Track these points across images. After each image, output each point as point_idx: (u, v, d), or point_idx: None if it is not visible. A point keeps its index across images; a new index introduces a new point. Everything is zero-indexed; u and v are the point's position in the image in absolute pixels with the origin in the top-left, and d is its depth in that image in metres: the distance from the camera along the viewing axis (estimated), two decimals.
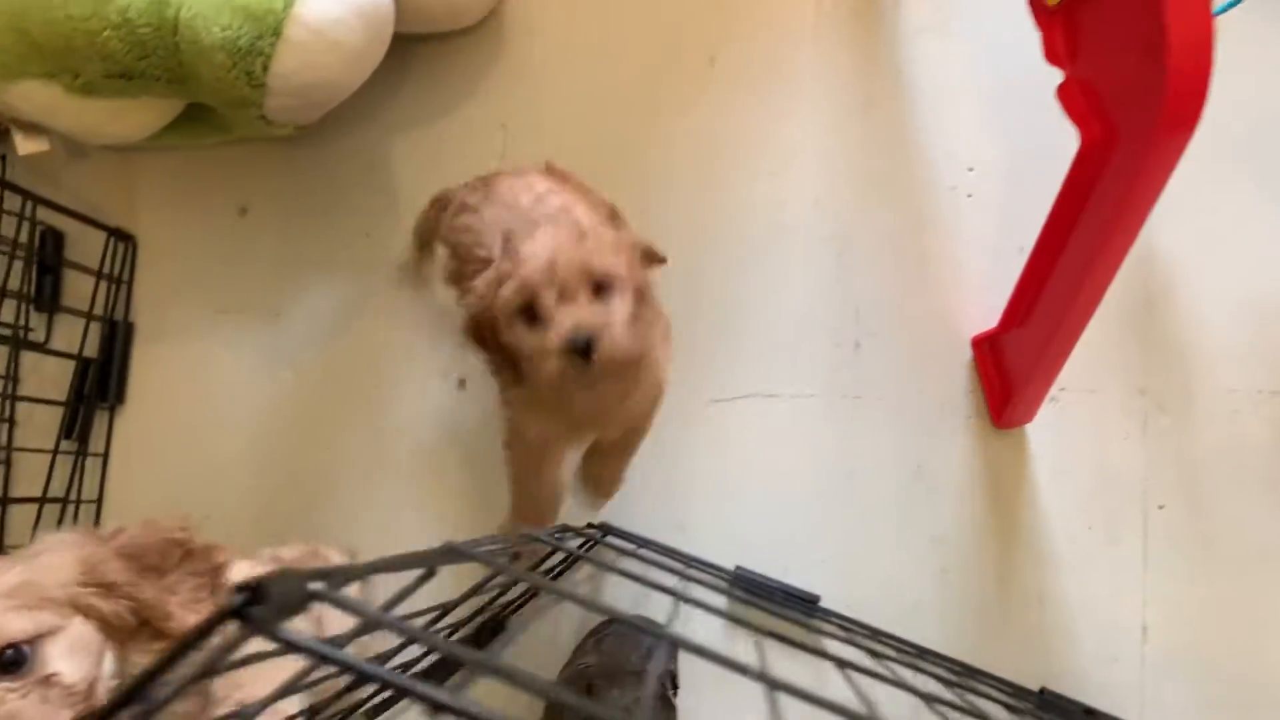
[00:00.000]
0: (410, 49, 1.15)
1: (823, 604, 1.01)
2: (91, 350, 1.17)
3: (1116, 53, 0.76)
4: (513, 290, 0.69)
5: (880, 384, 1.05)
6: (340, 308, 1.14)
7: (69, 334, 1.18)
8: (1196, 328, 1.03)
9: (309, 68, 0.90)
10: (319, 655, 0.26)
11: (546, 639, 1.04)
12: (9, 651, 0.58)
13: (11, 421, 1.16)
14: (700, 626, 0.98)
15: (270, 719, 0.43)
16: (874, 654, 0.71)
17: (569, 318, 0.68)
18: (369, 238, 1.14)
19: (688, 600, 0.54)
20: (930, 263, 1.07)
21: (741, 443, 1.06)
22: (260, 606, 0.24)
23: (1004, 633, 1.00)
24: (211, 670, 0.25)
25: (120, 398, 1.18)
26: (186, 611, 0.63)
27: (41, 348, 1.17)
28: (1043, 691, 0.97)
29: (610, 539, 0.97)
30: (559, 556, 0.91)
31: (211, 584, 0.65)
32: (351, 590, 0.75)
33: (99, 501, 1.17)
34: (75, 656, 0.60)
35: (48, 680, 0.59)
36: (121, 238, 1.18)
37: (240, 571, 0.70)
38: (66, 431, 1.17)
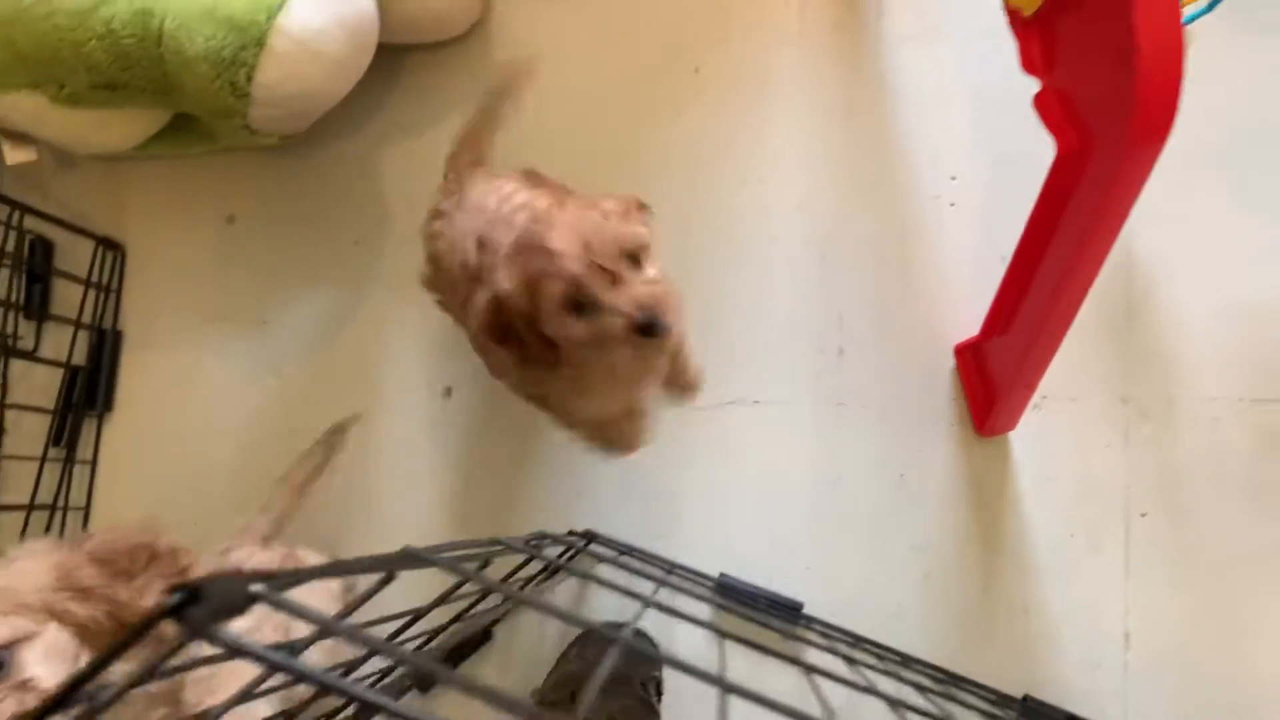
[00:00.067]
0: (398, 58, 1.16)
1: (807, 611, 1.01)
2: (80, 358, 1.18)
3: (1090, 62, 0.76)
4: (555, 285, 0.68)
5: (864, 391, 1.05)
6: (327, 316, 1.14)
7: (58, 342, 1.18)
8: (1177, 336, 1.03)
9: (292, 78, 0.91)
10: (262, 660, 0.26)
11: (532, 644, 1.05)
12: None
13: (0, 429, 1.16)
14: (681, 633, 0.98)
15: None
16: (850, 660, 0.71)
17: (626, 301, 0.67)
18: (356, 246, 1.15)
19: (655, 605, 0.54)
20: (913, 270, 1.07)
21: (726, 450, 1.06)
22: (197, 607, 0.25)
23: (987, 640, 1.00)
24: (153, 674, 0.25)
25: (108, 405, 1.18)
26: None
27: (30, 356, 1.18)
28: (1026, 699, 0.97)
29: (594, 546, 0.97)
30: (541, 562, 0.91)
31: None
32: (324, 595, 0.76)
33: (87, 508, 1.17)
34: (51, 661, 0.61)
35: (24, 685, 0.59)
36: (110, 246, 1.19)
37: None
38: (55, 439, 1.17)
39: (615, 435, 0.91)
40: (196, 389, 1.17)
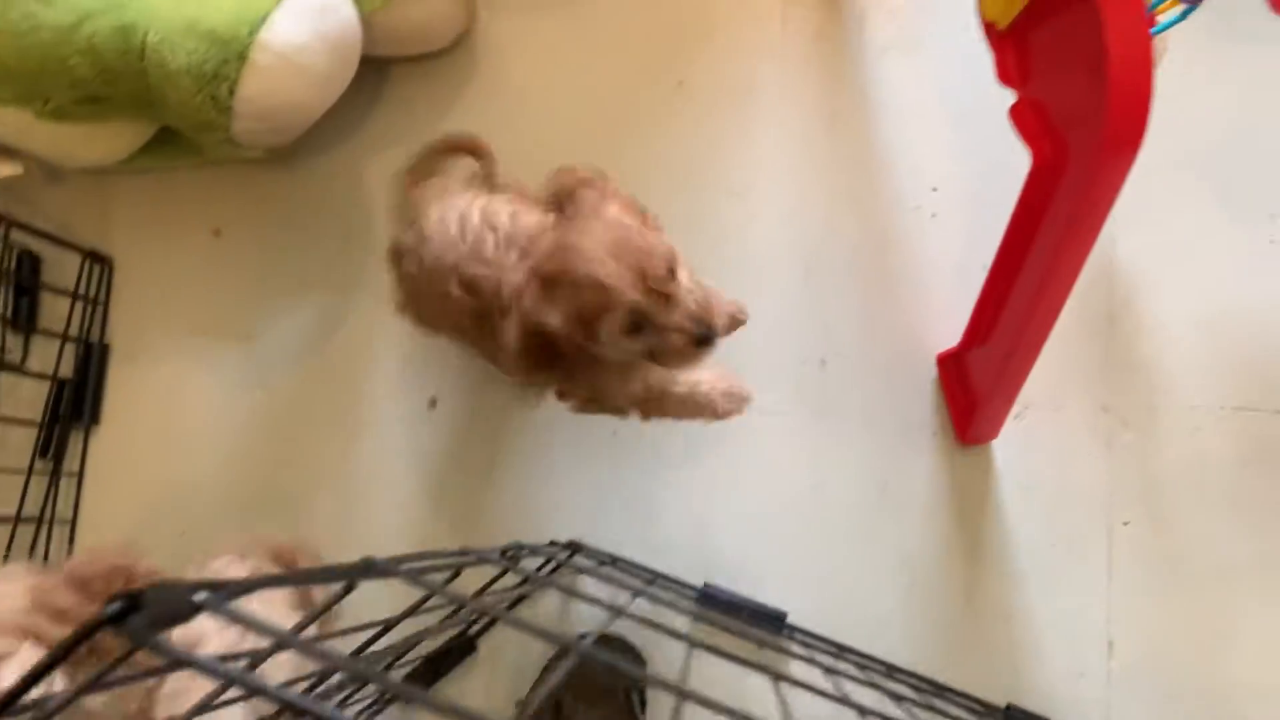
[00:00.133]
0: (383, 71, 1.16)
1: (791, 620, 1.01)
2: (67, 371, 1.18)
3: (1063, 74, 0.77)
4: (617, 316, 0.69)
5: (847, 401, 1.06)
6: (313, 328, 1.15)
7: (45, 355, 1.18)
8: (1158, 344, 1.03)
9: (275, 92, 0.92)
10: (207, 672, 0.26)
11: (518, 655, 1.05)
12: None
13: None
14: (666, 643, 0.98)
15: None
16: (827, 670, 0.71)
17: (681, 317, 0.70)
18: (342, 259, 1.15)
19: (626, 615, 0.54)
20: (896, 281, 1.08)
21: (710, 460, 1.07)
22: (137, 616, 0.25)
23: (970, 649, 1.00)
24: (94, 685, 0.25)
25: (95, 418, 1.18)
26: None
27: (17, 369, 1.17)
28: (1009, 708, 0.97)
29: (578, 557, 0.97)
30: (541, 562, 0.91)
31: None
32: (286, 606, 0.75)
33: (73, 521, 1.17)
34: None
35: None
36: (97, 259, 1.19)
37: None
38: (42, 451, 1.17)
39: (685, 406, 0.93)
40: (184, 401, 1.17)
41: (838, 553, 1.03)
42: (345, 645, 0.63)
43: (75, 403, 1.17)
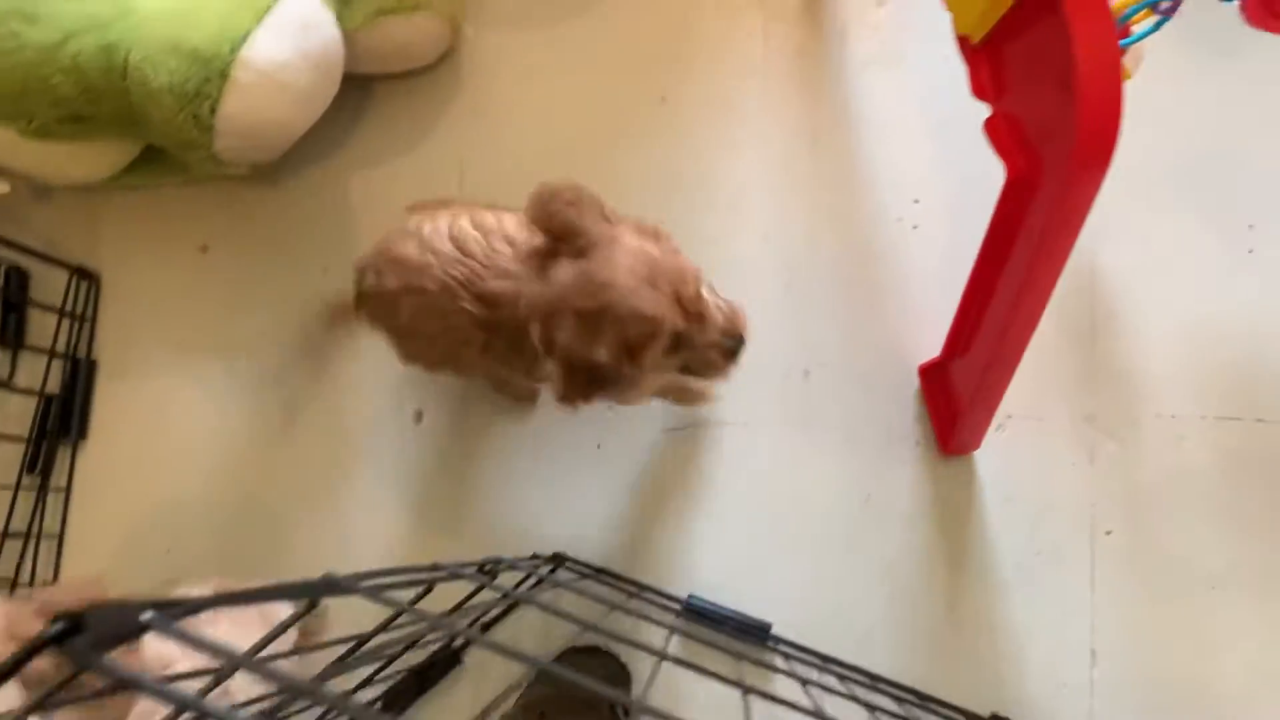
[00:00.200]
0: (366, 88, 1.17)
1: (776, 631, 1.01)
2: (54, 387, 1.19)
3: (1035, 88, 0.78)
4: (659, 343, 0.73)
5: (830, 413, 1.06)
6: (298, 342, 1.15)
7: (32, 371, 1.19)
8: (1141, 354, 1.04)
9: (256, 110, 0.92)
10: (151, 693, 0.26)
11: (504, 667, 1.05)
12: None
13: None
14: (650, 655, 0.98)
15: None
16: (805, 682, 0.72)
17: (716, 334, 0.76)
18: (327, 273, 1.16)
19: (593, 629, 0.55)
20: (878, 292, 1.08)
21: (694, 471, 1.07)
22: (80, 637, 0.25)
23: (954, 659, 1.00)
24: (35, 708, 0.26)
25: (83, 433, 1.19)
26: None
27: (5, 385, 1.18)
28: (993, 717, 0.97)
29: (561, 570, 0.98)
30: (520, 577, 0.92)
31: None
32: (260, 623, 0.75)
33: (60, 536, 1.17)
34: None
35: None
36: (84, 276, 1.20)
37: None
38: (29, 467, 1.18)
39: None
40: (170, 416, 1.18)
41: (821, 563, 1.03)
42: (329, 658, 0.63)
43: (63, 418, 1.18)
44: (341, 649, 0.61)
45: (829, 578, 1.03)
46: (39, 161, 1.02)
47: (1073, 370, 1.04)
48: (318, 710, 0.70)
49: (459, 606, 0.69)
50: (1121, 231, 1.05)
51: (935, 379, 1.04)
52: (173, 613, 0.29)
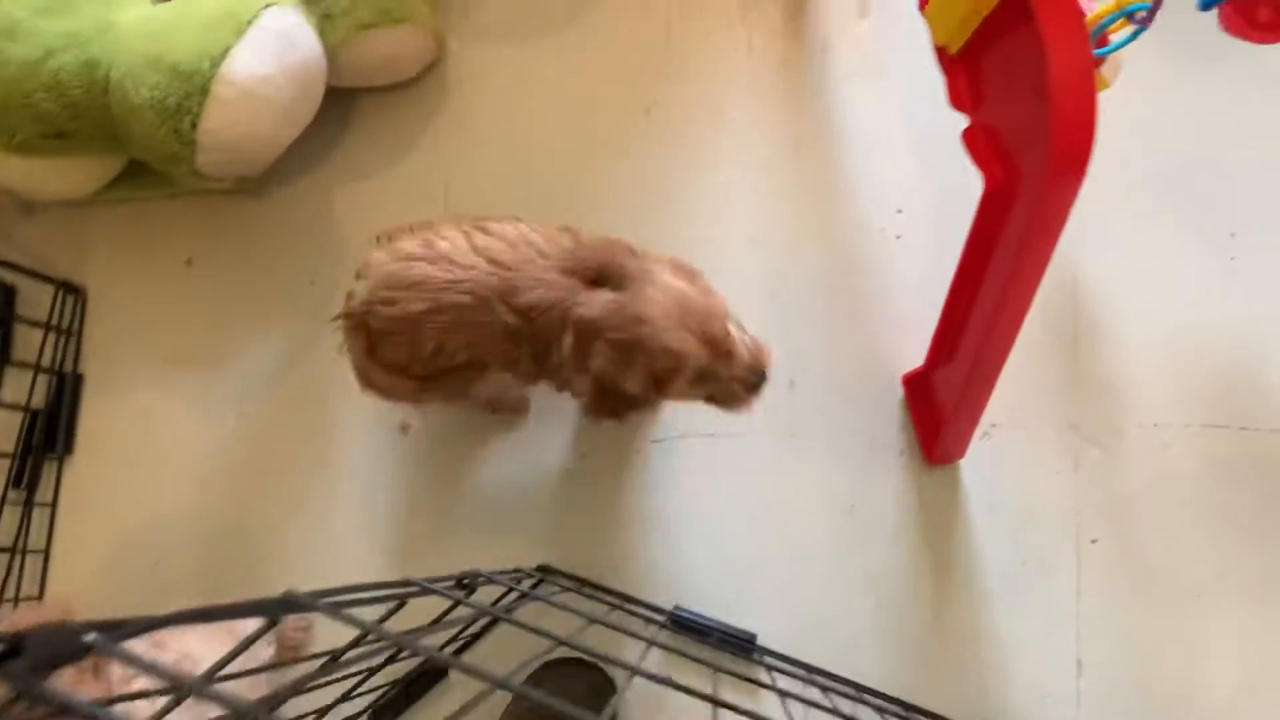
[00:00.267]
0: (352, 101, 1.18)
1: (761, 642, 1.01)
2: (40, 401, 1.19)
3: (1011, 98, 0.78)
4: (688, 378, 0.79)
5: (814, 422, 1.06)
6: (284, 355, 1.15)
7: (18, 385, 1.19)
8: (1125, 363, 1.04)
9: (237, 124, 0.93)
10: (87, 716, 0.26)
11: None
12: None
13: None
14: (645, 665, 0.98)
15: None
16: (782, 694, 0.71)
17: (741, 369, 0.80)
18: (313, 286, 1.16)
19: (567, 643, 0.55)
20: (862, 302, 1.08)
21: (679, 482, 1.07)
22: (18, 660, 0.25)
23: (939, 669, 1.00)
24: None
25: (69, 448, 1.19)
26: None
27: None
28: None
29: (545, 583, 0.97)
30: (502, 592, 0.92)
31: (94, 663, 0.66)
32: (227, 640, 0.75)
33: (46, 551, 1.17)
34: None
35: None
36: (70, 290, 1.20)
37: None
38: (14, 481, 1.17)
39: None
40: (157, 430, 1.18)
41: (806, 573, 1.03)
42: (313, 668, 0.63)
43: (48, 433, 1.18)
44: (321, 663, 0.61)
45: (814, 587, 1.03)
46: (23, 177, 1.02)
47: (1057, 379, 1.04)
48: None
49: (437, 622, 0.68)
50: (1104, 241, 1.05)
51: (919, 388, 1.04)
52: (117, 634, 0.29)
